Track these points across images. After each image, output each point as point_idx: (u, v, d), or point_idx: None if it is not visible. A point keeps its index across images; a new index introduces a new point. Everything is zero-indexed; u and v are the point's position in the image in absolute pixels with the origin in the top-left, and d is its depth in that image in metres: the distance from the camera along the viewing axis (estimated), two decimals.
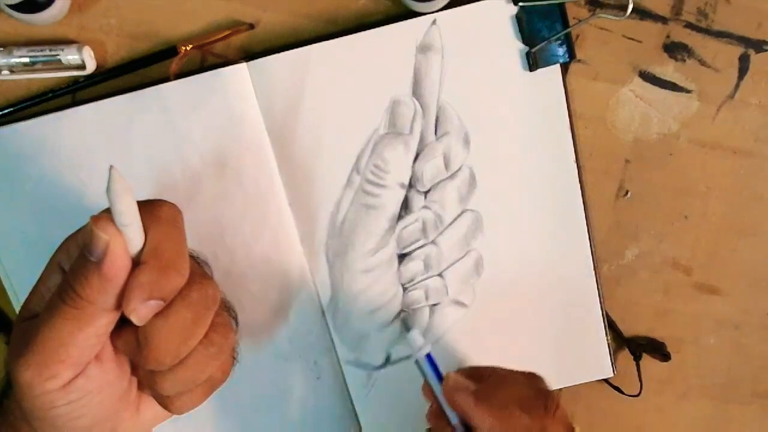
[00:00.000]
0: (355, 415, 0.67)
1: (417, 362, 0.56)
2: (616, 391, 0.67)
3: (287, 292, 0.63)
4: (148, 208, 0.44)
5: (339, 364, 0.65)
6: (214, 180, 0.61)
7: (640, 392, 0.67)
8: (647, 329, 0.68)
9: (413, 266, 0.64)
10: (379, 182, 0.62)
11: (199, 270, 0.48)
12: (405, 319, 0.65)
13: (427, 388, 0.56)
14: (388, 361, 0.66)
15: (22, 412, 0.45)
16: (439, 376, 0.56)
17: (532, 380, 0.57)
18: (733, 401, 0.71)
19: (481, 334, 0.66)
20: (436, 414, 0.57)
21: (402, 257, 0.64)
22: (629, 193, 0.65)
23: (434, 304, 0.65)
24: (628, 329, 0.68)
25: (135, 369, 0.49)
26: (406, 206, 0.63)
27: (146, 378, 0.47)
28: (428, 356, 0.56)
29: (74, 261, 0.43)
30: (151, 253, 0.42)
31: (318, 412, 0.66)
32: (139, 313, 0.42)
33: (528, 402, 0.53)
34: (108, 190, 0.40)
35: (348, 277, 0.64)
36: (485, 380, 0.56)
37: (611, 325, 0.67)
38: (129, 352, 0.45)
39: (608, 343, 0.66)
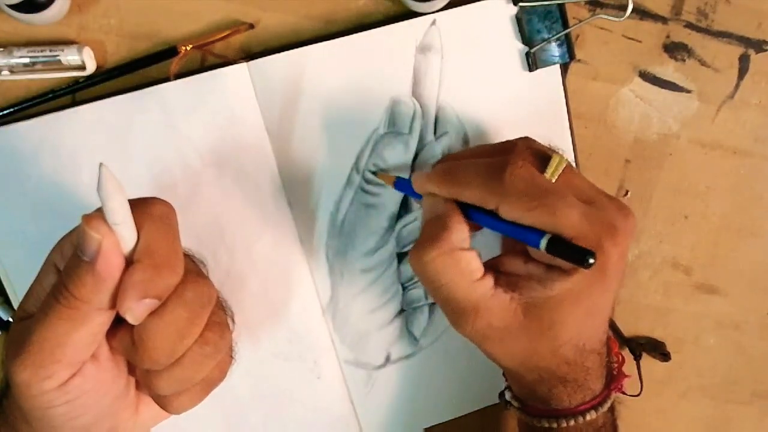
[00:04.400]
0: (355, 415, 0.67)
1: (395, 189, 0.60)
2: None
3: (287, 292, 0.63)
4: (140, 206, 0.44)
5: (339, 364, 0.65)
6: (214, 180, 0.61)
7: (640, 392, 0.67)
8: (647, 329, 0.68)
9: None
10: (378, 182, 0.62)
11: (195, 268, 0.49)
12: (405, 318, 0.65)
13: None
14: (388, 360, 0.66)
15: (20, 411, 0.45)
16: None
17: (497, 149, 0.54)
18: (733, 401, 0.71)
19: None
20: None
21: (402, 256, 0.64)
22: (629, 193, 0.65)
23: (434, 303, 0.65)
24: (628, 329, 0.68)
25: (133, 369, 0.49)
26: (405, 205, 0.63)
27: (143, 377, 0.47)
28: (399, 180, 0.59)
29: (68, 261, 0.43)
30: (145, 251, 0.43)
31: (318, 412, 0.66)
32: (134, 311, 0.42)
33: (483, 172, 0.51)
34: (99, 188, 0.40)
35: (348, 277, 0.64)
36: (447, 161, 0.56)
37: (611, 325, 0.67)
38: (125, 352, 0.45)
39: None
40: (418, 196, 0.55)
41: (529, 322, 0.50)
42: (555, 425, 0.55)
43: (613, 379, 0.57)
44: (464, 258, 0.50)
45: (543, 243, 0.47)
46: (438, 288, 0.50)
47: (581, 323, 0.51)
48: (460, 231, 0.50)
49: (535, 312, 0.50)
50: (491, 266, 0.52)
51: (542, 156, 0.51)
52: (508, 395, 0.59)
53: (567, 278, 0.48)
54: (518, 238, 0.49)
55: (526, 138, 0.53)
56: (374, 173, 0.62)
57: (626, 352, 0.67)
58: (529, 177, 0.48)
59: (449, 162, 0.54)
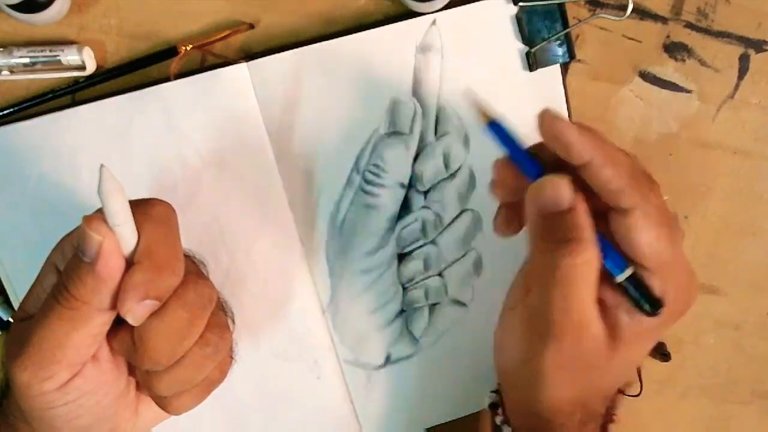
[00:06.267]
0: (355, 415, 0.67)
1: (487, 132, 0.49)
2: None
3: (287, 292, 0.63)
4: (140, 207, 0.44)
5: (339, 364, 0.65)
6: (214, 180, 0.61)
7: (640, 392, 0.67)
8: None
9: (413, 266, 0.64)
10: (378, 182, 0.62)
11: (195, 269, 0.49)
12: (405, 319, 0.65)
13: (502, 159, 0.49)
14: (388, 361, 0.66)
15: (21, 412, 0.45)
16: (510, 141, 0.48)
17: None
18: (733, 401, 0.70)
19: (481, 333, 0.65)
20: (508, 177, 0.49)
21: (402, 257, 0.64)
22: None
23: (434, 304, 0.65)
24: None
25: (133, 370, 0.49)
26: (405, 206, 0.63)
27: (143, 378, 0.47)
28: (493, 125, 0.48)
29: (68, 261, 0.43)
30: (145, 252, 0.43)
31: (318, 412, 0.66)
32: (135, 313, 0.42)
33: (636, 164, 0.46)
34: (99, 189, 0.40)
35: (348, 277, 0.64)
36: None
37: None
38: (125, 353, 0.45)
39: None
40: (526, 165, 0.47)
41: (612, 355, 0.47)
42: None
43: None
44: (599, 269, 0.45)
45: (624, 274, 0.45)
46: (559, 296, 0.45)
47: (637, 363, 0.52)
48: (594, 235, 0.45)
49: (618, 346, 0.47)
50: None
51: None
52: (498, 420, 0.56)
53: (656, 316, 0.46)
54: (604, 254, 0.45)
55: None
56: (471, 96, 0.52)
57: None
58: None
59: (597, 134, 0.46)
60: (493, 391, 0.59)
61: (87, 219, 0.41)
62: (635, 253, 0.45)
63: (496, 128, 0.48)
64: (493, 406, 0.58)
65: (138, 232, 0.43)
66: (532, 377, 0.49)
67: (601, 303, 0.47)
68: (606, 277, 0.46)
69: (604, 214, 0.46)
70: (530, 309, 0.49)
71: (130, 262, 0.42)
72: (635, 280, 0.45)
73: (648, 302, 0.46)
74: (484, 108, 0.49)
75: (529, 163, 0.47)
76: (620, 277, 0.45)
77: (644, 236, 0.44)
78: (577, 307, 0.45)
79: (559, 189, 0.45)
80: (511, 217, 0.51)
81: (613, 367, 0.49)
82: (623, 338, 0.47)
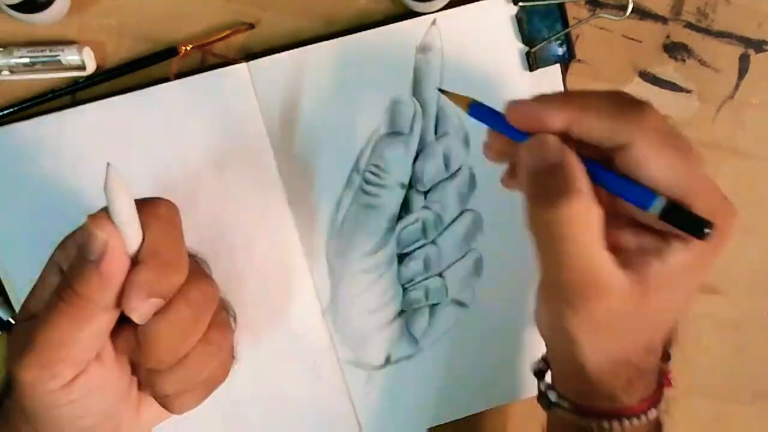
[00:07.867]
0: (355, 415, 0.67)
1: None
2: None
3: (287, 292, 0.63)
4: (145, 206, 0.44)
5: (339, 364, 0.65)
6: (214, 180, 0.61)
7: None
8: None
9: (413, 266, 0.64)
10: (378, 182, 0.62)
11: (198, 268, 0.49)
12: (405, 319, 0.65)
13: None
14: (388, 361, 0.66)
15: (23, 412, 0.45)
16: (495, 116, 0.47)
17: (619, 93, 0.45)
18: (733, 401, 0.70)
19: (481, 334, 0.65)
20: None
21: (402, 257, 0.64)
22: None
23: (434, 304, 0.65)
24: None
25: (135, 369, 0.49)
26: (405, 206, 0.63)
27: (146, 377, 0.47)
28: (475, 105, 0.49)
29: (73, 260, 0.43)
30: (150, 251, 0.43)
31: (318, 412, 0.66)
32: (139, 311, 0.42)
33: (617, 100, 0.42)
34: (105, 188, 0.40)
35: (348, 277, 0.64)
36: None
37: None
38: (129, 351, 0.45)
39: None
40: (512, 133, 0.46)
41: (643, 305, 0.43)
42: (616, 425, 0.48)
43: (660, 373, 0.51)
44: (599, 218, 0.41)
45: (658, 205, 0.40)
46: (562, 251, 0.41)
47: (681, 306, 0.46)
48: (588, 184, 0.41)
49: (649, 293, 0.42)
50: None
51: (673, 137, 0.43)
52: (553, 396, 0.51)
53: (688, 247, 0.42)
54: (626, 195, 0.41)
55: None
56: (442, 91, 0.52)
57: None
58: (664, 119, 0.42)
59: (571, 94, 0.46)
60: (542, 359, 0.55)
61: (92, 218, 0.41)
62: (654, 186, 0.41)
63: (477, 109, 0.49)
64: (539, 374, 0.54)
65: (143, 231, 0.43)
66: (566, 346, 0.46)
67: (621, 250, 0.43)
68: (624, 221, 0.44)
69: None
70: (542, 277, 0.46)
71: (134, 261, 0.42)
72: (670, 208, 0.40)
73: (694, 225, 0.40)
74: (456, 96, 0.50)
75: (514, 132, 0.46)
76: (654, 208, 0.40)
77: (654, 163, 0.40)
78: (584, 262, 0.41)
79: (546, 144, 0.43)
80: (513, 172, 0.49)
81: (648, 317, 0.44)
82: (653, 283, 0.42)
